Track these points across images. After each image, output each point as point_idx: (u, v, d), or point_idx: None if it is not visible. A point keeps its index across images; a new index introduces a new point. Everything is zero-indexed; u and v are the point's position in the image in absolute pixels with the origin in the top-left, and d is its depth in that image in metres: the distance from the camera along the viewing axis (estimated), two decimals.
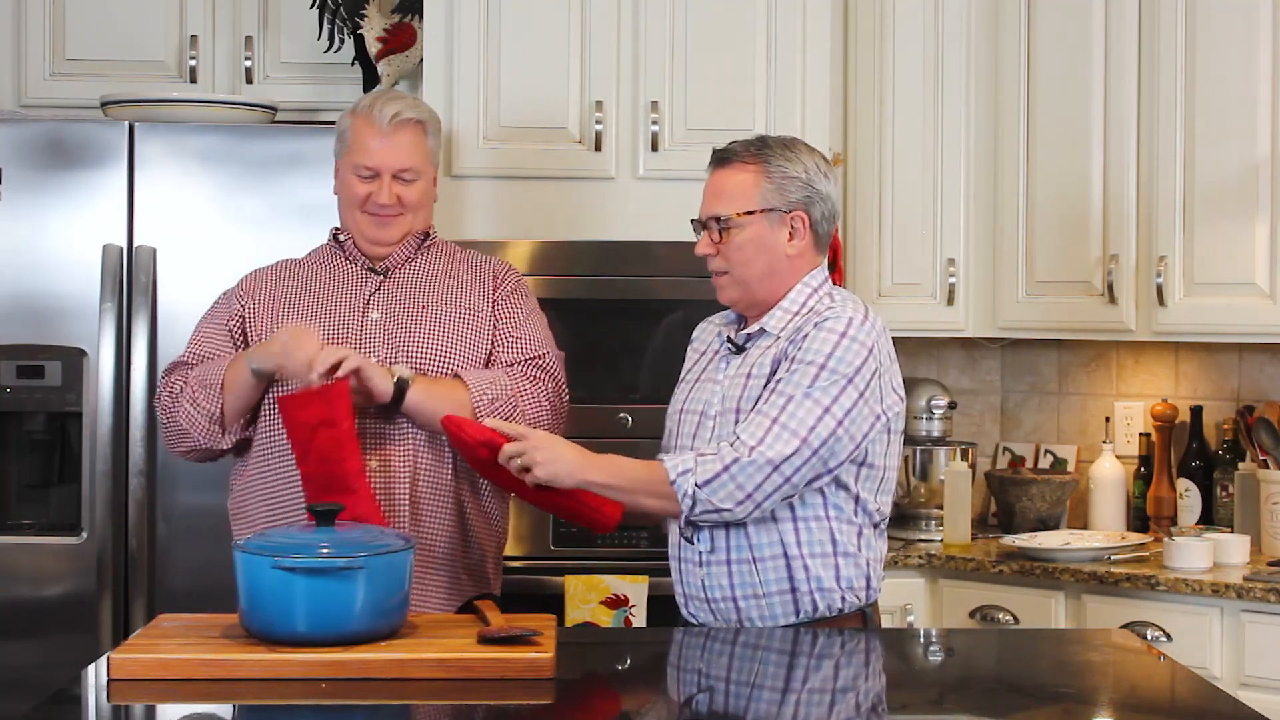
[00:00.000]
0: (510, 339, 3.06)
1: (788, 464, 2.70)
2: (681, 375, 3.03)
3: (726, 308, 2.95)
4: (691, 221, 2.90)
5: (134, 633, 2.68)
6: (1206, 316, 3.91)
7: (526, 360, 3.05)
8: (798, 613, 2.81)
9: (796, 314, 2.84)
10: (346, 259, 3.11)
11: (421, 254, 3.12)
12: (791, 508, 2.79)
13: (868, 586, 2.85)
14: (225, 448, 3.04)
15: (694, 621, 2.89)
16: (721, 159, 2.88)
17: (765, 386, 2.78)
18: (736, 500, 2.71)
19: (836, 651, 2.69)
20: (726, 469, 2.69)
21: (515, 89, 3.85)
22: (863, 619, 2.85)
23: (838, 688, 2.54)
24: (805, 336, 2.77)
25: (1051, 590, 3.84)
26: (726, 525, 2.80)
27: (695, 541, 2.82)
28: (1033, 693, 2.48)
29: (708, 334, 3.03)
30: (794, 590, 2.81)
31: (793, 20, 3.87)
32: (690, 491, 2.70)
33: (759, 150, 2.86)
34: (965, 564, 3.94)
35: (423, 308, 3.04)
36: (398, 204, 3.05)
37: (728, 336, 2.91)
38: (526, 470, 2.70)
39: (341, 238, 3.12)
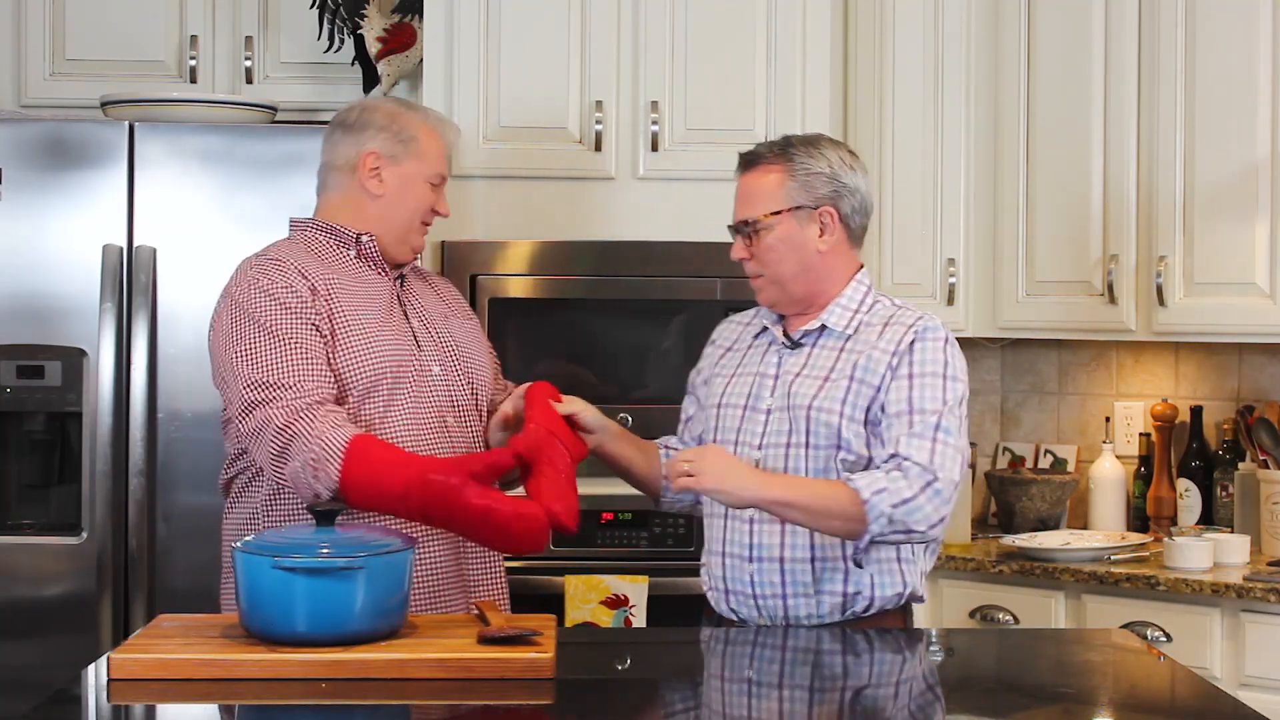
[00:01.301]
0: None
1: (960, 475, 2.75)
2: (703, 371, 3.02)
3: (744, 308, 2.98)
4: (728, 228, 2.91)
5: (134, 633, 2.68)
6: (1206, 316, 3.91)
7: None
8: (844, 610, 2.83)
9: (857, 311, 2.87)
10: (363, 262, 2.94)
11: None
12: None
13: (904, 583, 2.87)
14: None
15: (734, 617, 2.87)
16: (748, 162, 2.91)
17: (850, 389, 2.79)
18: (931, 523, 2.71)
19: (837, 651, 2.69)
20: (924, 491, 2.70)
21: (515, 89, 3.85)
22: (903, 615, 2.88)
23: (836, 687, 2.54)
24: (912, 345, 2.79)
25: (1051, 590, 3.84)
26: (782, 524, 2.79)
27: (863, 565, 2.80)
28: (1033, 693, 2.48)
29: (732, 331, 3.03)
30: (845, 594, 2.82)
31: (793, 20, 3.87)
32: (886, 512, 2.68)
33: (783, 150, 2.88)
34: (965, 564, 3.94)
35: (445, 315, 3.02)
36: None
37: (783, 331, 2.91)
38: (689, 477, 2.68)
39: (364, 238, 2.93)
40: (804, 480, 2.76)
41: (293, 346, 2.75)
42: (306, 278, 2.82)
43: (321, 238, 2.95)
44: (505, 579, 3.00)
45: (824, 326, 2.87)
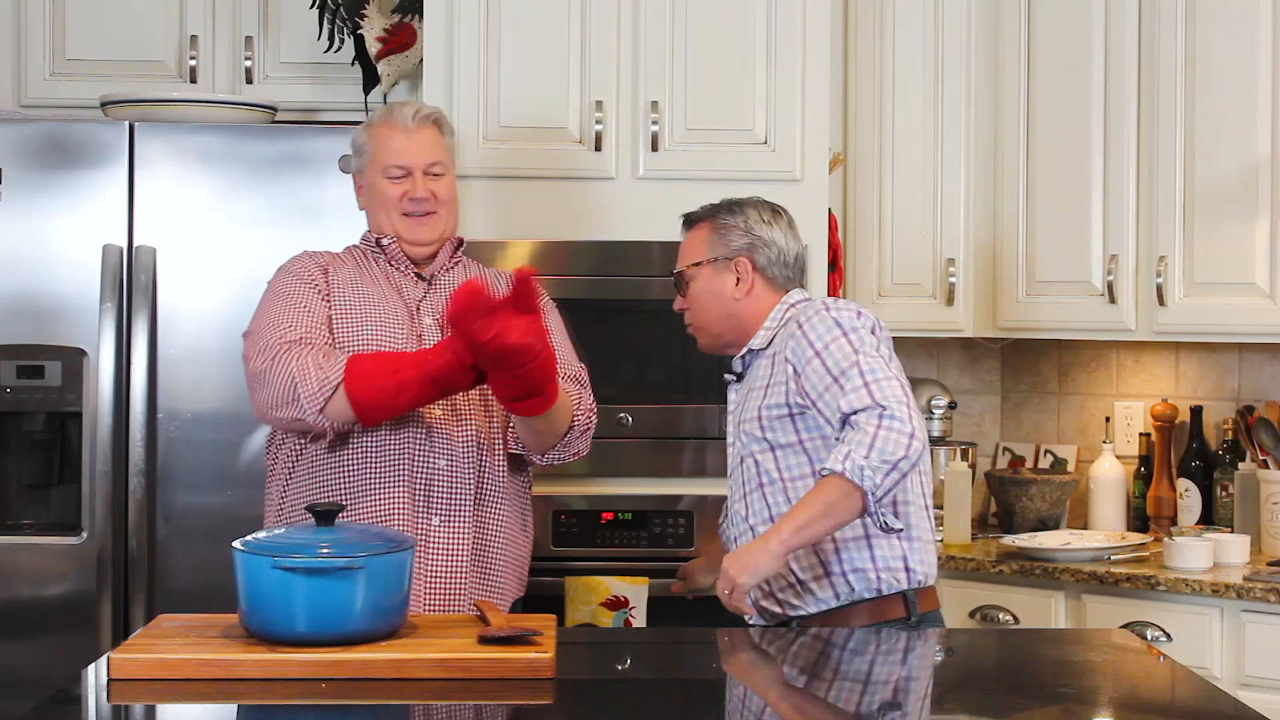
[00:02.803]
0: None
1: (908, 397, 2.80)
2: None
3: (706, 354, 3.19)
4: (673, 285, 3.13)
5: (134, 633, 2.68)
6: (1206, 316, 3.91)
7: (568, 377, 3.05)
8: (837, 596, 2.89)
9: (776, 327, 3.03)
10: (390, 263, 3.10)
11: (458, 263, 3.15)
12: (773, 506, 2.93)
13: (906, 568, 2.91)
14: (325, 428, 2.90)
15: (749, 622, 2.94)
16: (685, 223, 3.17)
17: (767, 391, 2.95)
18: (906, 445, 2.74)
19: (836, 650, 2.69)
20: (880, 425, 2.75)
21: (515, 89, 3.85)
22: (904, 602, 2.90)
23: (836, 686, 2.54)
24: (801, 332, 2.90)
25: (1051, 590, 3.84)
26: (751, 531, 2.92)
27: (889, 527, 2.79)
28: (1033, 693, 2.48)
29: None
30: (829, 574, 2.89)
31: (793, 20, 3.87)
32: (863, 464, 2.71)
33: (711, 210, 3.13)
34: (965, 564, 3.94)
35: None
36: (432, 199, 3.07)
37: (728, 371, 3.10)
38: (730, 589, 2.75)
39: (385, 241, 3.09)
40: (797, 505, 2.80)
41: (290, 301, 2.97)
42: (324, 269, 3.04)
43: (361, 247, 3.15)
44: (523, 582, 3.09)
45: (750, 350, 3.05)
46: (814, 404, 2.86)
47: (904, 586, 2.90)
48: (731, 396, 3.10)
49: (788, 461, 2.93)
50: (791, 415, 2.91)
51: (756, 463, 2.96)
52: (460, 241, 3.17)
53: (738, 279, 3.05)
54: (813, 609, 2.90)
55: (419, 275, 3.10)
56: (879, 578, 2.89)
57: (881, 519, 2.75)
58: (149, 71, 4.20)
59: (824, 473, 2.76)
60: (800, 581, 2.90)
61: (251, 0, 4.22)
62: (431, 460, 2.95)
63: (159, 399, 3.67)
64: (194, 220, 3.71)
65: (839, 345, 2.85)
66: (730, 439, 3.07)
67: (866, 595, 2.89)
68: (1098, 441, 4.35)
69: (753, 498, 2.97)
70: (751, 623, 2.92)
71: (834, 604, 2.90)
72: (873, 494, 2.72)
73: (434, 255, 3.11)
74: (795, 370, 2.89)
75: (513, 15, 3.85)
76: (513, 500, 3.06)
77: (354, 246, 3.16)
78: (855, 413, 2.77)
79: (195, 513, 3.65)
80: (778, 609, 2.93)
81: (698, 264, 3.08)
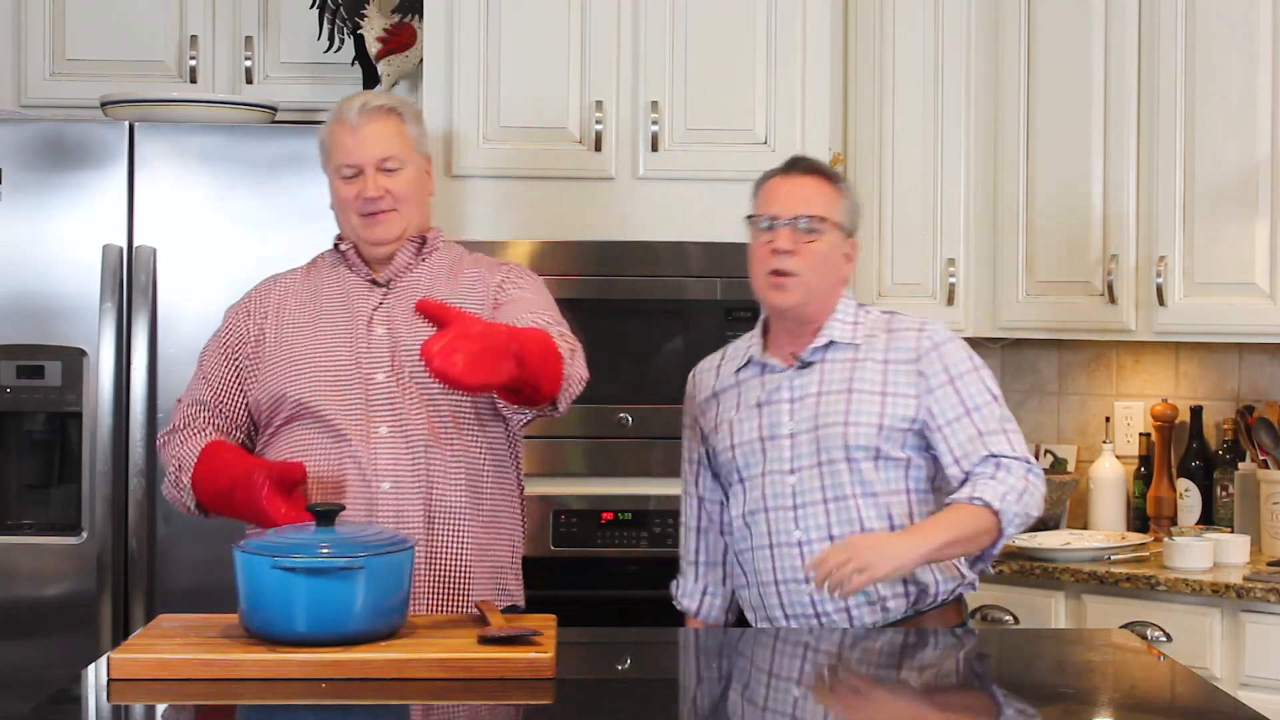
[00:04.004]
0: (525, 315, 2.83)
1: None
2: (699, 427, 3.04)
3: (743, 308, 3.04)
4: (749, 217, 2.93)
5: (134, 633, 2.68)
6: (1206, 316, 3.91)
7: (548, 325, 2.82)
8: (905, 610, 2.87)
9: (855, 323, 2.92)
10: (350, 269, 2.99)
11: (422, 260, 2.99)
12: (868, 520, 2.85)
13: (963, 577, 2.93)
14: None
15: (822, 617, 2.89)
16: (808, 168, 2.95)
17: (886, 399, 2.85)
18: (1041, 505, 2.85)
19: (835, 650, 2.69)
20: (1028, 478, 2.82)
21: (515, 89, 3.85)
22: (958, 607, 2.94)
23: (835, 686, 2.54)
24: (938, 353, 2.87)
25: (1051, 590, 3.84)
26: (830, 540, 2.82)
27: (982, 571, 2.91)
28: (1033, 693, 2.48)
29: (708, 379, 3.05)
30: (907, 592, 2.86)
31: (793, 20, 3.87)
32: (1015, 509, 2.78)
33: (835, 174, 2.97)
34: None
35: (423, 320, 2.87)
36: (387, 196, 2.91)
37: (793, 353, 2.92)
38: (860, 575, 2.69)
39: (343, 246, 2.99)
40: (941, 518, 2.81)
41: (200, 368, 3.01)
42: (264, 312, 2.98)
43: (328, 255, 3.05)
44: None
45: (831, 342, 2.90)
46: (939, 428, 2.85)
47: (956, 594, 2.93)
48: (784, 384, 2.91)
49: (886, 474, 2.86)
50: (911, 430, 2.86)
51: (856, 469, 2.85)
52: (423, 239, 2.99)
53: (847, 258, 2.95)
54: (879, 624, 2.86)
55: (374, 281, 2.96)
56: (941, 589, 2.90)
57: (988, 563, 2.86)
58: (149, 71, 4.21)
59: (976, 501, 2.77)
60: (860, 604, 2.84)
61: (251, 0, 4.22)
62: (376, 483, 2.84)
63: (159, 399, 3.67)
64: (194, 220, 3.71)
65: (974, 379, 2.87)
66: (785, 431, 2.88)
67: (929, 608, 2.89)
68: (1098, 441, 4.35)
69: (841, 505, 2.85)
70: (823, 611, 2.85)
71: (902, 615, 2.87)
72: (1004, 539, 2.80)
73: (393, 257, 2.97)
74: (930, 388, 2.85)
75: (513, 15, 3.85)
76: (474, 516, 2.91)
77: (324, 253, 3.06)
78: (1003, 457, 2.81)
79: None
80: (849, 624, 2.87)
81: (837, 224, 2.91)
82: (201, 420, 2.97)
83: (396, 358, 2.89)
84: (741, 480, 2.94)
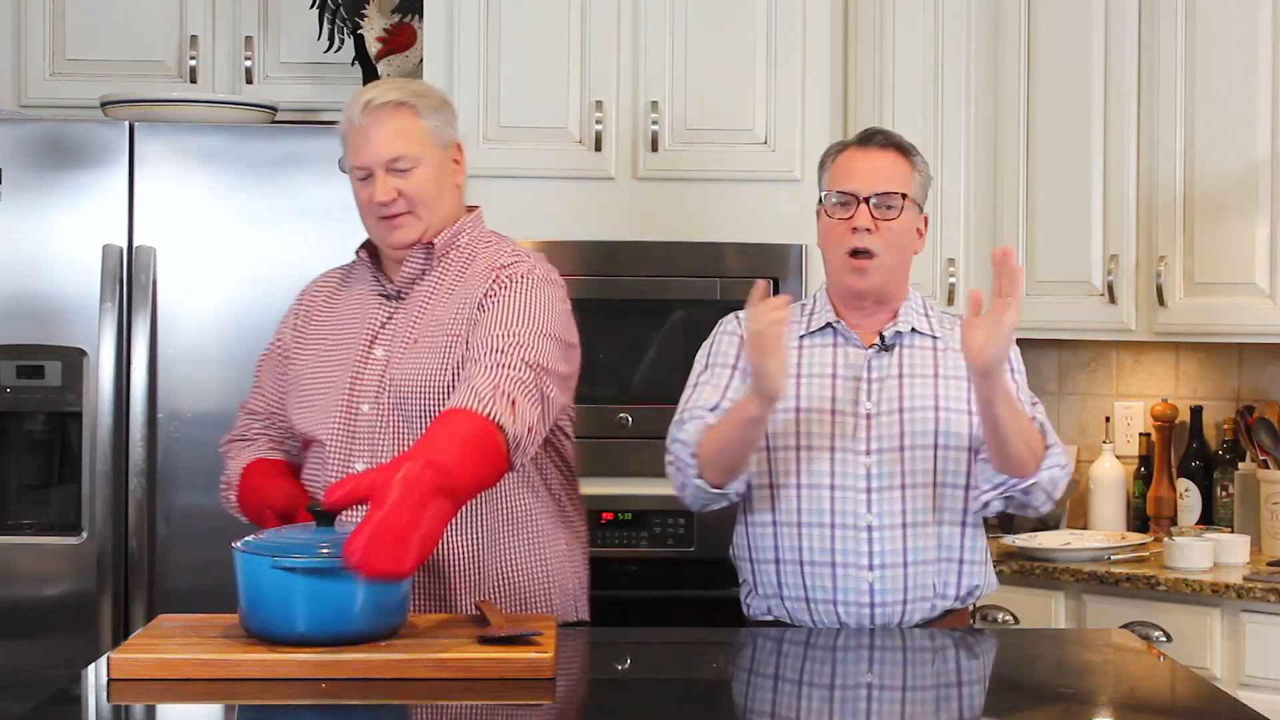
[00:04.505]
0: (483, 350, 2.64)
1: None
2: (723, 364, 2.86)
3: (743, 308, 2.71)
4: (825, 194, 2.83)
5: (134, 633, 2.68)
6: (1206, 316, 3.91)
7: (481, 358, 2.62)
8: (953, 604, 2.88)
9: (929, 315, 2.91)
10: (371, 274, 2.84)
11: (433, 268, 2.80)
12: (945, 511, 2.83)
13: (989, 581, 2.96)
14: None
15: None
16: (884, 141, 2.85)
17: (969, 387, 2.78)
18: (1060, 492, 2.83)
19: (832, 650, 2.69)
20: (1064, 470, 2.82)
21: (515, 89, 3.85)
22: (968, 610, 2.94)
23: (834, 686, 2.54)
24: (1015, 347, 2.84)
25: (1051, 590, 3.84)
26: (904, 528, 2.78)
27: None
28: (1033, 693, 2.48)
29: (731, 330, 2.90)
30: (958, 594, 2.88)
31: (793, 20, 3.87)
32: (1057, 462, 2.78)
33: (909, 146, 2.88)
34: None
35: (415, 341, 2.74)
36: (400, 199, 2.73)
37: (880, 333, 2.84)
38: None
39: (362, 254, 2.87)
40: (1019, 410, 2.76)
41: (257, 374, 2.99)
42: (308, 311, 2.92)
43: (360, 254, 2.91)
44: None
45: (912, 329, 2.87)
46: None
47: (974, 595, 2.93)
48: (863, 361, 2.82)
49: (962, 466, 2.82)
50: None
51: (944, 456, 2.79)
52: (431, 244, 2.78)
53: (919, 233, 2.87)
54: (922, 623, 2.84)
55: (385, 295, 2.81)
56: (963, 592, 2.89)
57: (1004, 499, 2.81)
58: (149, 71, 4.21)
59: (1038, 425, 2.79)
60: (916, 599, 2.82)
61: (251, 0, 4.22)
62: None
63: (159, 399, 3.67)
64: (194, 220, 3.71)
65: (1024, 380, 2.90)
66: (862, 411, 2.79)
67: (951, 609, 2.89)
68: (1098, 441, 4.35)
69: (919, 493, 2.79)
70: (881, 602, 2.81)
71: (938, 614, 2.87)
72: (1029, 482, 2.75)
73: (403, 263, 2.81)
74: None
75: (513, 15, 3.85)
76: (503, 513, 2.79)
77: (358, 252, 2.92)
78: (1052, 445, 2.80)
79: (195, 513, 3.64)
80: (897, 623, 2.82)
81: (916, 202, 2.83)
82: (254, 431, 2.95)
83: (382, 385, 2.74)
84: (799, 448, 2.80)
